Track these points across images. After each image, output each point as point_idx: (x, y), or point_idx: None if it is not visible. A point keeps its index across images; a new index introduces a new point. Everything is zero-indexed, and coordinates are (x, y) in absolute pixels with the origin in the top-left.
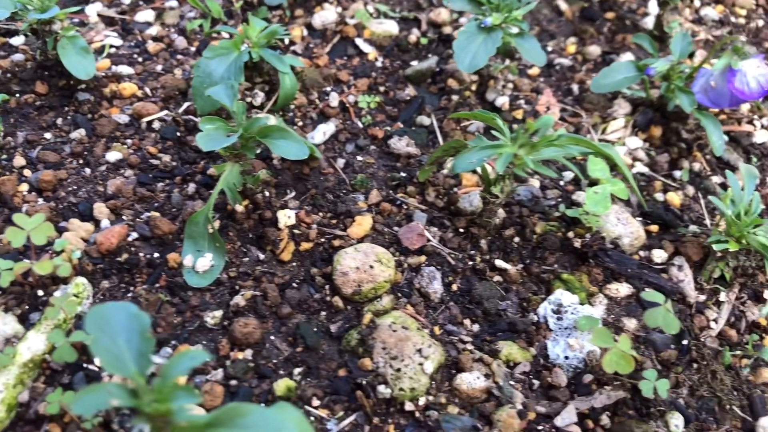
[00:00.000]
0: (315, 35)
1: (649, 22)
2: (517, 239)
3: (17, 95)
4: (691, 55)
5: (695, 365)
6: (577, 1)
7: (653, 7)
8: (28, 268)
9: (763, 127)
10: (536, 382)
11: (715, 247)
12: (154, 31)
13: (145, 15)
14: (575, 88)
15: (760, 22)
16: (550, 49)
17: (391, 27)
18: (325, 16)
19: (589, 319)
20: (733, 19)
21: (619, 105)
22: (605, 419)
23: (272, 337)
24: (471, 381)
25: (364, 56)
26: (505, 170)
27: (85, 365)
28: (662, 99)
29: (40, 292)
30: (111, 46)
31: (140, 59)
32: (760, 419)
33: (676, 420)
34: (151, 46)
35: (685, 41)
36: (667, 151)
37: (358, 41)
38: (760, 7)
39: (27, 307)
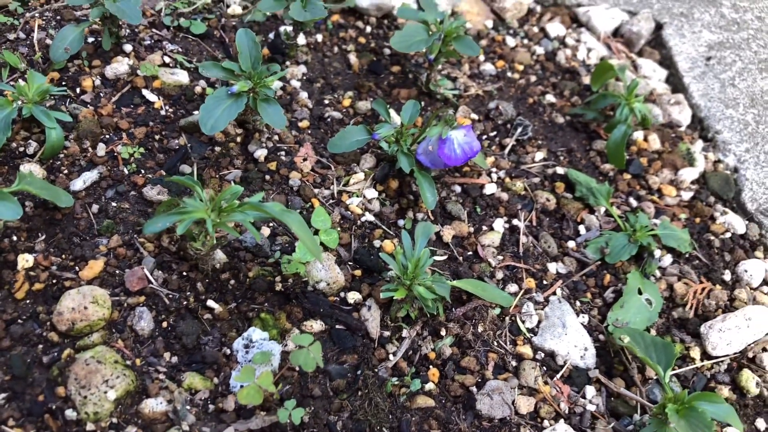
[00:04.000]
0: (107, 85)
1: (424, 77)
2: (232, 281)
3: None
4: (456, 109)
5: (359, 392)
6: (368, 55)
7: None
8: None
9: (498, 178)
10: (212, 407)
11: (382, 294)
12: None
13: None
14: None
15: (533, 78)
16: (327, 101)
17: (182, 77)
18: (117, 67)
19: (263, 355)
20: (509, 74)
21: (366, 159)
22: None
23: None
24: (154, 406)
25: (150, 105)
26: (200, 229)
27: None
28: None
29: None
30: None
31: None
32: None
33: None
34: None
35: (414, 109)
36: (398, 201)
37: (145, 92)
38: (538, 63)
39: None
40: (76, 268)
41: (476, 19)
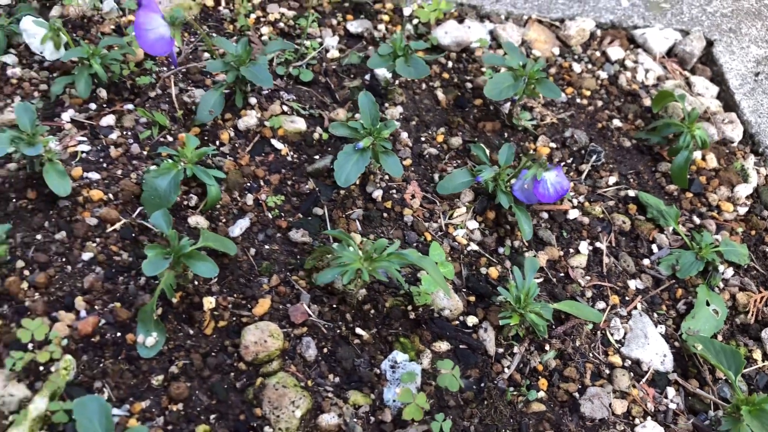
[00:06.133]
0: (240, 136)
1: (507, 108)
2: (373, 311)
3: (14, 200)
4: (535, 138)
5: (485, 402)
6: (453, 90)
7: None
8: (33, 358)
9: (579, 203)
10: (372, 419)
11: (501, 322)
12: (115, 135)
13: (108, 119)
14: (436, 177)
15: (599, 103)
16: (423, 138)
17: (300, 124)
18: (247, 120)
19: (410, 374)
20: (578, 100)
21: (465, 194)
22: None
23: (197, 392)
24: (328, 420)
25: (278, 152)
26: (354, 275)
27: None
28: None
29: (41, 367)
30: (82, 152)
31: (105, 164)
32: None
33: None
34: (113, 151)
35: (509, 152)
36: (496, 231)
37: (273, 141)
38: (603, 87)
39: (33, 377)
40: (249, 306)
41: (544, 46)
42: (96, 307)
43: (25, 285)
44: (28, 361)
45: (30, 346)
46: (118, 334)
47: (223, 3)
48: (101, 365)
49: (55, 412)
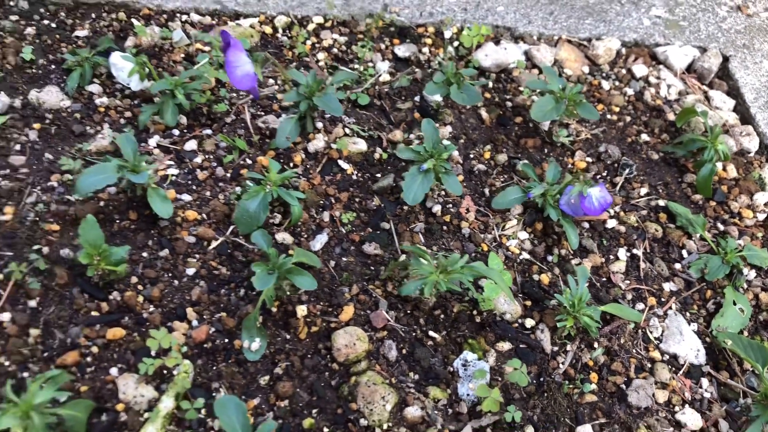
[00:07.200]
0: (310, 158)
1: (546, 125)
2: (442, 316)
3: (118, 221)
4: (572, 153)
5: (545, 394)
6: (495, 109)
7: None
8: (162, 363)
9: (615, 213)
10: (450, 411)
11: (558, 324)
12: (199, 159)
13: (191, 144)
14: (486, 191)
15: (628, 119)
16: (472, 155)
17: (362, 145)
18: (316, 143)
19: (481, 371)
20: (608, 116)
21: (515, 207)
22: (489, 431)
23: (299, 390)
24: (413, 412)
25: (344, 172)
26: (430, 285)
27: (200, 416)
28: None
29: (165, 371)
30: (172, 176)
31: (194, 186)
32: (578, 427)
33: (530, 430)
34: (200, 174)
35: (555, 170)
36: (544, 241)
37: (340, 162)
38: (630, 103)
39: (159, 380)
40: (335, 313)
41: (574, 65)
42: (205, 316)
43: (140, 298)
44: (158, 366)
45: (153, 352)
46: (226, 340)
47: (281, 31)
48: (215, 368)
49: (186, 411)
